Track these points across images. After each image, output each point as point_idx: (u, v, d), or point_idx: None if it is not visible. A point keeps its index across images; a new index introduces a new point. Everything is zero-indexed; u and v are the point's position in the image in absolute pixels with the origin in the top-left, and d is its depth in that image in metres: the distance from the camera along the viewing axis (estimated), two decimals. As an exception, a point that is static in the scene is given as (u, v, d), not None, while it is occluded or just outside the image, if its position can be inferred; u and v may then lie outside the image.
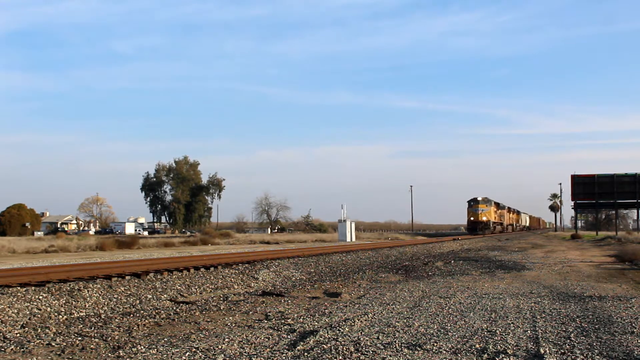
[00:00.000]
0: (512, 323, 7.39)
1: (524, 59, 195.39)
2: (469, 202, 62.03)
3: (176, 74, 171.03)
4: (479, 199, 61.04)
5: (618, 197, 64.45)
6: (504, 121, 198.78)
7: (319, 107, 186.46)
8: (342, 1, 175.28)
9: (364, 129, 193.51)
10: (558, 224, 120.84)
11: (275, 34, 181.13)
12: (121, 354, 5.74)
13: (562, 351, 5.83)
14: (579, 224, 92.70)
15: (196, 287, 10.91)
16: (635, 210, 73.65)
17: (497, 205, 66.43)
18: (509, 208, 77.90)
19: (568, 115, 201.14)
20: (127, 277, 10.74)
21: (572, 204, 68.96)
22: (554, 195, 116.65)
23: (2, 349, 5.92)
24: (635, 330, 7.00)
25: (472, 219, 60.85)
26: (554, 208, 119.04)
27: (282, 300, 9.73)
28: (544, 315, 8.10)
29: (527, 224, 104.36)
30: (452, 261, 18.99)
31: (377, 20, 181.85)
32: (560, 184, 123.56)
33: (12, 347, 6.02)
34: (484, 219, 59.87)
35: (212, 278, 11.83)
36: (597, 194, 65.34)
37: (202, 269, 12.73)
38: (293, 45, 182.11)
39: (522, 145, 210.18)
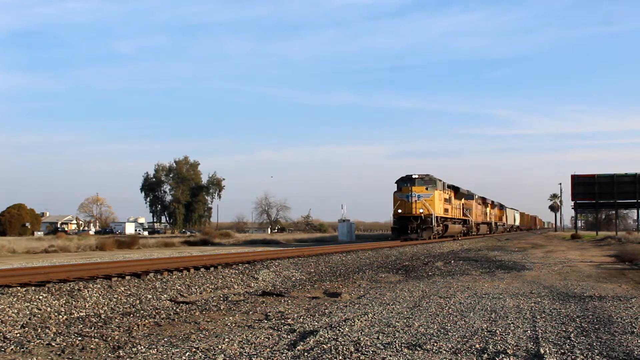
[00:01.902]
0: (512, 323, 7.39)
1: (524, 59, 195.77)
2: (397, 182, 35.81)
3: (176, 74, 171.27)
4: (415, 176, 34.97)
5: (618, 197, 64.38)
6: (504, 121, 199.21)
7: (319, 107, 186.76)
8: (342, 1, 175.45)
9: (364, 129, 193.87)
10: (558, 224, 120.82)
11: (276, 34, 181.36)
12: (121, 354, 5.74)
13: (562, 351, 5.83)
14: (579, 224, 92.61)
15: (196, 287, 10.91)
16: (635, 210, 73.66)
17: (455, 191, 41.83)
18: (483, 199, 54.84)
19: (568, 115, 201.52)
20: (127, 277, 10.74)
21: (572, 204, 68.94)
22: (554, 195, 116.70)
23: (2, 349, 5.92)
24: (635, 330, 7.00)
25: (399, 211, 34.68)
26: (554, 208, 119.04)
27: (282, 300, 9.72)
28: (544, 315, 8.10)
29: (517, 223, 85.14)
30: (452, 261, 18.99)
31: (377, 20, 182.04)
32: (560, 184, 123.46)
33: (12, 347, 6.01)
34: (421, 211, 33.97)
35: (212, 278, 11.83)
36: (597, 194, 65.25)
37: (202, 269, 12.73)
38: (293, 45, 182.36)
39: (522, 145, 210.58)
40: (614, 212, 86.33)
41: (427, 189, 34.55)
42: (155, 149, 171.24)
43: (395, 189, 35.47)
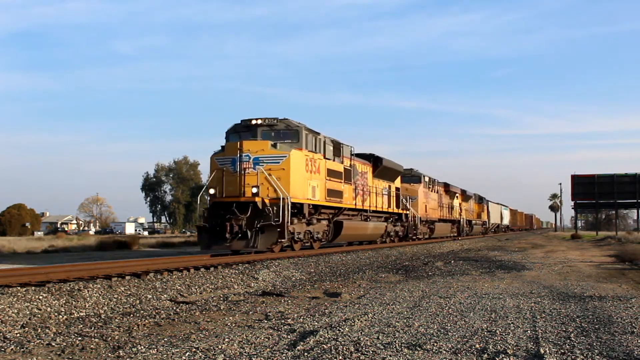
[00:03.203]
0: (512, 323, 7.39)
1: (524, 59, 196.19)
2: (226, 135, 18.04)
3: (177, 75, 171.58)
4: (256, 121, 17.33)
5: (618, 197, 64.40)
6: (504, 121, 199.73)
7: (319, 107, 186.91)
8: (342, 1, 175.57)
9: (364, 129, 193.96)
10: (558, 223, 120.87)
11: (276, 34, 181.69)
12: (121, 354, 5.73)
13: (562, 351, 5.83)
14: (579, 224, 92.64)
15: (196, 287, 10.91)
16: (635, 210, 73.69)
17: (374, 164, 24.86)
18: (445, 186, 39.84)
19: (568, 115, 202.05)
20: (127, 277, 10.74)
21: (572, 204, 68.97)
22: (554, 195, 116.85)
23: (2, 349, 5.92)
24: (635, 330, 7.00)
25: (211, 192, 16.85)
26: (554, 208, 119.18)
27: (282, 300, 9.72)
28: (544, 315, 8.10)
29: (506, 222, 71.40)
30: (452, 261, 18.99)
31: (377, 20, 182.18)
32: (560, 184, 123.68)
33: (12, 347, 6.01)
34: (255, 191, 16.17)
35: (212, 278, 11.83)
36: (597, 194, 65.27)
37: (202, 269, 12.73)
38: (294, 45, 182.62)
39: (522, 145, 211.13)
40: (614, 212, 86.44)
41: (275, 146, 16.92)
42: (155, 149, 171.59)
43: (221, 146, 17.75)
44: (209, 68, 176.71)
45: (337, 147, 20.67)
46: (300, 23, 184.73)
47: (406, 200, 29.72)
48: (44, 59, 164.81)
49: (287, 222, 16.39)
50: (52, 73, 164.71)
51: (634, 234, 52.64)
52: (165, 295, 9.90)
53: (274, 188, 16.45)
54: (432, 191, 35.65)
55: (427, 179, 34.48)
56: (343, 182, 20.76)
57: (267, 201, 16.39)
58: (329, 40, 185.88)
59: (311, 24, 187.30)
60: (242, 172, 16.58)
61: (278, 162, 16.74)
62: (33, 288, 8.94)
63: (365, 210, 23.33)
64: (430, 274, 14.70)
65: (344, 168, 21.08)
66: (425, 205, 33.42)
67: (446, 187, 40.25)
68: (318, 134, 18.97)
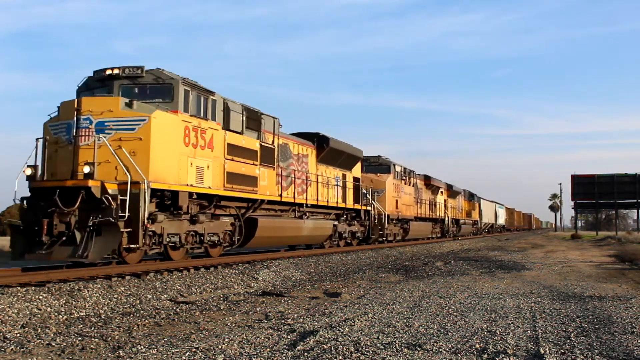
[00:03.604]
0: (512, 323, 7.39)
1: (524, 59, 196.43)
2: (77, 92, 12.55)
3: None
4: (112, 71, 12.21)
5: (618, 197, 64.44)
6: (504, 121, 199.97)
7: (319, 107, 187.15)
8: (342, 1, 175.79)
9: (364, 129, 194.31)
10: (558, 224, 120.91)
11: (276, 34, 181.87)
12: (121, 354, 5.74)
13: (562, 351, 5.83)
14: (579, 224, 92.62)
15: (196, 287, 10.91)
16: (635, 210, 73.76)
17: (318, 145, 19.47)
18: (426, 179, 34.57)
19: (568, 115, 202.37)
20: (127, 277, 10.74)
21: (572, 204, 69.00)
22: (554, 195, 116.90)
23: (2, 349, 5.93)
24: (635, 330, 7.01)
25: (29, 173, 11.38)
26: (554, 208, 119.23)
27: (282, 300, 9.73)
28: (544, 315, 8.10)
29: (501, 222, 66.99)
30: (452, 261, 19.00)
31: (377, 20, 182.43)
32: (560, 184, 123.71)
33: (12, 347, 6.02)
34: (87, 171, 10.85)
35: (212, 278, 11.84)
36: (597, 194, 65.29)
37: (202, 269, 12.73)
38: (294, 45, 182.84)
39: (522, 145, 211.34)
40: (614, 212, 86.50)
41: (130, 105, 11.64)
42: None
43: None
44: (209, 68, 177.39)
45: (253, 118, 15.27)
46: (300, 23, 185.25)
47: (369, 194, 24.32)
48: (44, 59, 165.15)
49: (144, 218, 11.28)
50: (52, 73, 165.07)
51: (634, 234, 52.67)
52: (165, 295, 9.90)
53: (125, 167, 11.20)
54: (406, 184, 29.86)
55: (398, 168, 28.64)
56: (259, 164, 15.51)
57: (110, 187, 11.06)
58: (329, 40, 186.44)
59: (311, 24, 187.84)
60: (78, 140, 11.44)
61: (133, 129, 11.55)
62: (33, 288, 8.94)
63: (302, 205, 18.17)
64: (430, 274, 14.71)
65: (262, 145, 15.60)
66: (396, 200, 27.75)
67: (427, 180, 34.40)
68: (212, 93, 13.53)
